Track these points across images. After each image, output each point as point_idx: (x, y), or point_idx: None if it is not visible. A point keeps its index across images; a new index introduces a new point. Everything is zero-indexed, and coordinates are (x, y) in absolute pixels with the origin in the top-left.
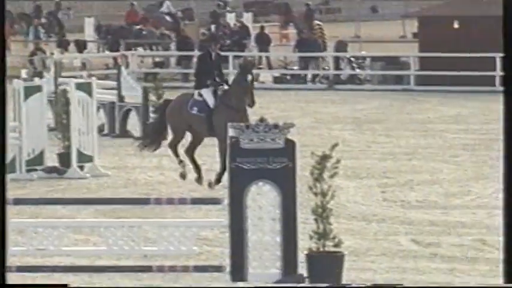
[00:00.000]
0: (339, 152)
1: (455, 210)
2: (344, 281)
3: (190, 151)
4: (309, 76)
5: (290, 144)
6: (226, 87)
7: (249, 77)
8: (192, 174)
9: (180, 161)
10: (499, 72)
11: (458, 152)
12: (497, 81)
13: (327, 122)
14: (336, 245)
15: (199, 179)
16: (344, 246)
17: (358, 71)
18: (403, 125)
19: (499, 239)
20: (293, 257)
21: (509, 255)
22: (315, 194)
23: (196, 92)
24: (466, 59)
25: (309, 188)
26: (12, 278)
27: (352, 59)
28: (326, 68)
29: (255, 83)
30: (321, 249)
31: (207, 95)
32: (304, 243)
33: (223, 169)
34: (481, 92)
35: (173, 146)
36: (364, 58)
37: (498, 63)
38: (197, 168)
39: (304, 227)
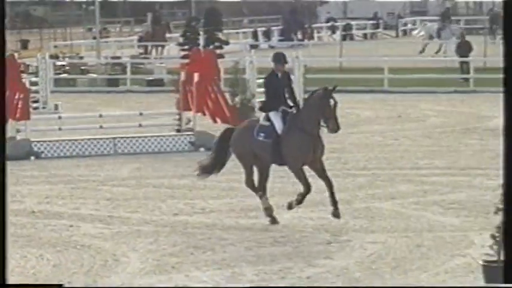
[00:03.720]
0: None
1: None
2: None
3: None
4: None
5: None
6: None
7: (331, 101)
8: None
9: (261, 196)
10: None
11: None
12: None
13: None
14: None
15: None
16: None
17: None
18: None
19: None
20: None
21: (509, 256)
22: None
23: (263, 115)
24: None
25: None
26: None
27: None
28: None
29: None
30: None
31: (275, 118)
32: None
33: (307, 190)
34: None
35: (249, 182)
36: None
37: None
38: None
39: None
